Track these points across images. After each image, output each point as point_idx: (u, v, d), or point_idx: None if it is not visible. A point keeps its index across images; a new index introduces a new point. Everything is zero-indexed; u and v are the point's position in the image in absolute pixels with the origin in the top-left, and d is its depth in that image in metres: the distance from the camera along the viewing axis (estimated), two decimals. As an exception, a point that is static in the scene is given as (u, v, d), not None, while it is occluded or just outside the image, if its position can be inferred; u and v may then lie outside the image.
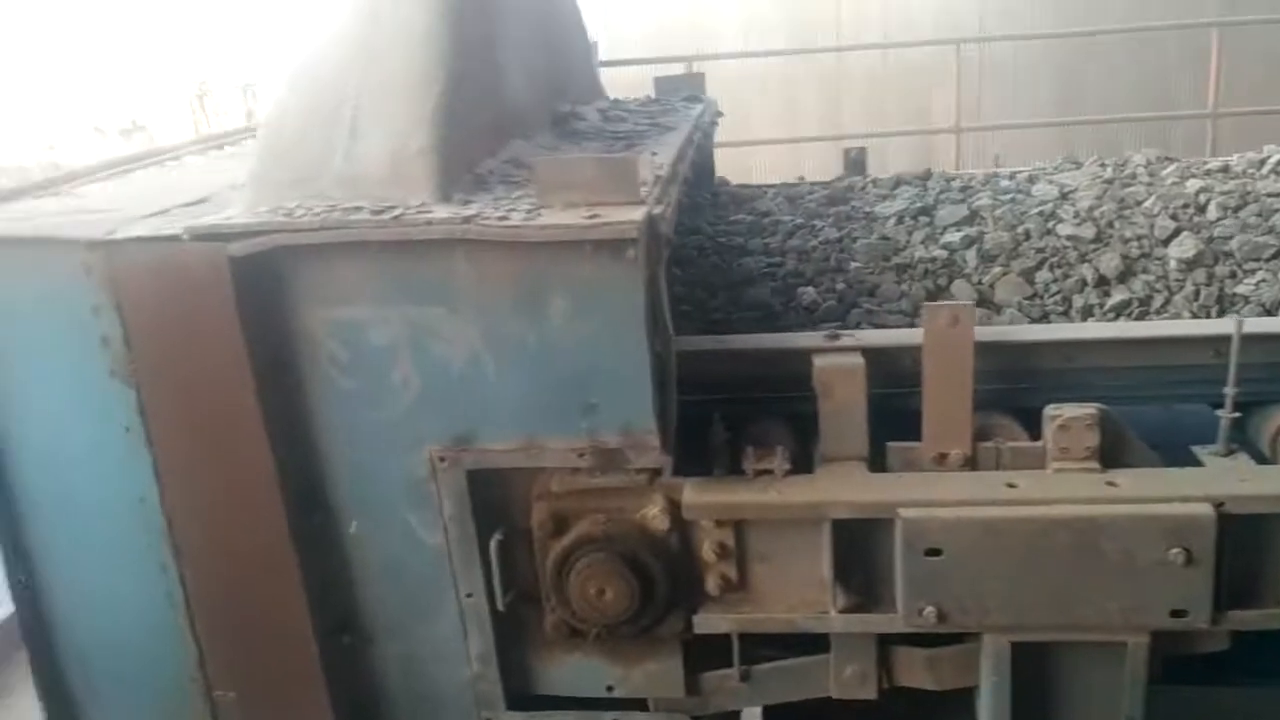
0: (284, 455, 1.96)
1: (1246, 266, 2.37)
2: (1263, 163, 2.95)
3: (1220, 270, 2.38)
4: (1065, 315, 2.33)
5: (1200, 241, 2.45)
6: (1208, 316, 2.26)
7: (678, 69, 8.17)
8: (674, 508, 1.96)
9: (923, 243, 2.65)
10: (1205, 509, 1.80)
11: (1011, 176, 3.13)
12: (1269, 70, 10.47)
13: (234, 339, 1.86)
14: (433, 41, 1.90)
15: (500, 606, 2.03)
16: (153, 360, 1.93)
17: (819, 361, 1.99)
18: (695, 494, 1.96)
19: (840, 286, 2.50)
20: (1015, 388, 2.07)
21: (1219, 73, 8.27)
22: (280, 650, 2.10)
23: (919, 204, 2.92)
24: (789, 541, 1.99)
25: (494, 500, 2.01)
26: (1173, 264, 2.41)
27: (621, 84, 4.00)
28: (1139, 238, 2.51)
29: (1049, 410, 1.95)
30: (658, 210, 1.78)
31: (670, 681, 2.12)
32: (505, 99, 2.30)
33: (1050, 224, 2.63)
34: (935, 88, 10.55)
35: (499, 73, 2.26)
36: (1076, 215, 2.65)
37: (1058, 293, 2.40)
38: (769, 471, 1.97)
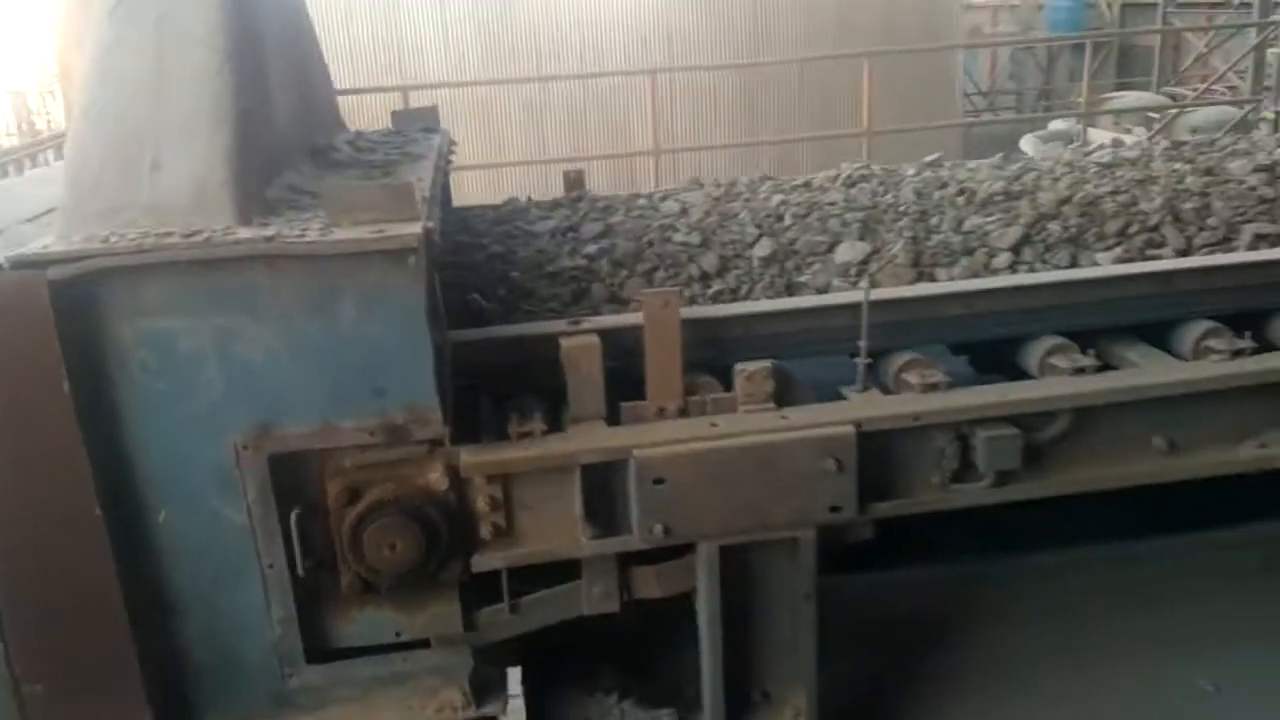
0: (98, 455, 2.18)
1: (808, 260, 3.05)
2: (836, 177, 3.73)
3: (789, 264, 3.04)
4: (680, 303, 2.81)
5: (775, 243, 3.11)
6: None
7: (395, 97, 8.49)
8: (452, 470, 2.36)
9: (569, 254, 3.16)
10: (849, 429, 2.44)
11: (649, 196, 3.73)
12: (916, 92, 12.15)
13: (51, 355, 2.08)
14: (223, 83, 2.22)
15: (300, 573, 2.33)
16: (-37, 380, 2.11)
17: (565, 343, 2.47)
18: (470, 456, 2.37)
19: (503, 293, 2.95)
20: (713, 352, 2.65)
21: (872, 97, 9.60)
22: (93, 636, 2.29)
23: (568, 222, 3.46)
24: (547, 489, 2.44)
25: (292, 480, 2.32)
26: (756, 261, 3.05)
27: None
28: (733, 242, 3.15)
29: (737, 367, 2.54)
30: (431, 225, 2.20)
31: (450, 620, 2.50)
32: (276, 134, 2.63)
33: (668, 234, 3.23)
34: (633, 111, 11.38)
35: (270, 110, 2.59)
36: (688, 226, 3.27)
37: (672, 288, 2.86)
38: (529, 433, 2.42)
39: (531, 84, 11.66)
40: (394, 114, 3.90)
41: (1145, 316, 2.85)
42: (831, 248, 3.07)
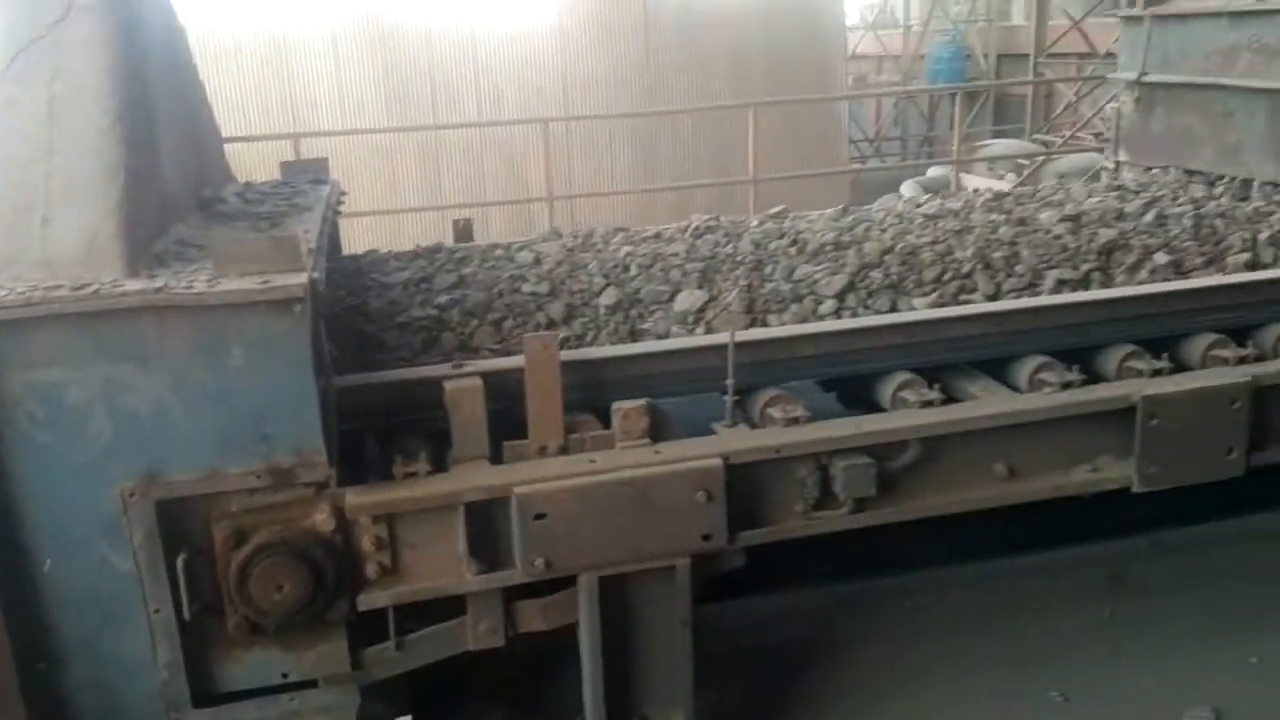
0: None
1: (650, 308, 3.23)
2: (685, 229, 3.94)
3: (633, 312, 3.21)
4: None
5: (621, 292, 3.30)
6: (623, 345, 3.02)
7: (287, 144, 8.50)
8: (338, 512, 2.44)
9: (420, 304, 3.27)
10: (717, 462, 2.60)
11: (506, 247, 3.88)
12: (807, 139, 12.63)
13: (-63, 406, 2.13)
14: (114, 140, 2.30)
15: (187, 616, 2.38)
16: None
17: (449, 385, 2.58)
18: (355, 497, 2.46)
19: (355, 343, 3.05)
20: (591, 392, 2.79)
21: (756, 145, 9.96)
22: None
23: (422, 273, 3.59)
24: (432, 528, 2.54)
25: (180, 525, 2.38)
26: (602, 309, 3.22)
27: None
28: (581, 291, 3.32)
29: (614, 406, 2.69)
30: (316, 275, 2.31)
31: (337, 660, 2.56)
32: (165, 188, 2.71)
33: (518, 284, 3.38)
34: (531, 158, 11.55)
35: (159, 165, 2.67)
36: (538, 276, 3.43)
37: (520, 336, 3.01)
38: (414, 474, 2.52)
39: (428, 131, 11.75)
40: (283, 165, 3.99)
41: (986, 353, 3.09)
42: (672, 296, 3.26)
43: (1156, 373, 2.97)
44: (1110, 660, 3.33)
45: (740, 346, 2.76)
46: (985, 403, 2.89)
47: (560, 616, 2.71)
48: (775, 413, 2.79)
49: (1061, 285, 3.29)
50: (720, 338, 2.85)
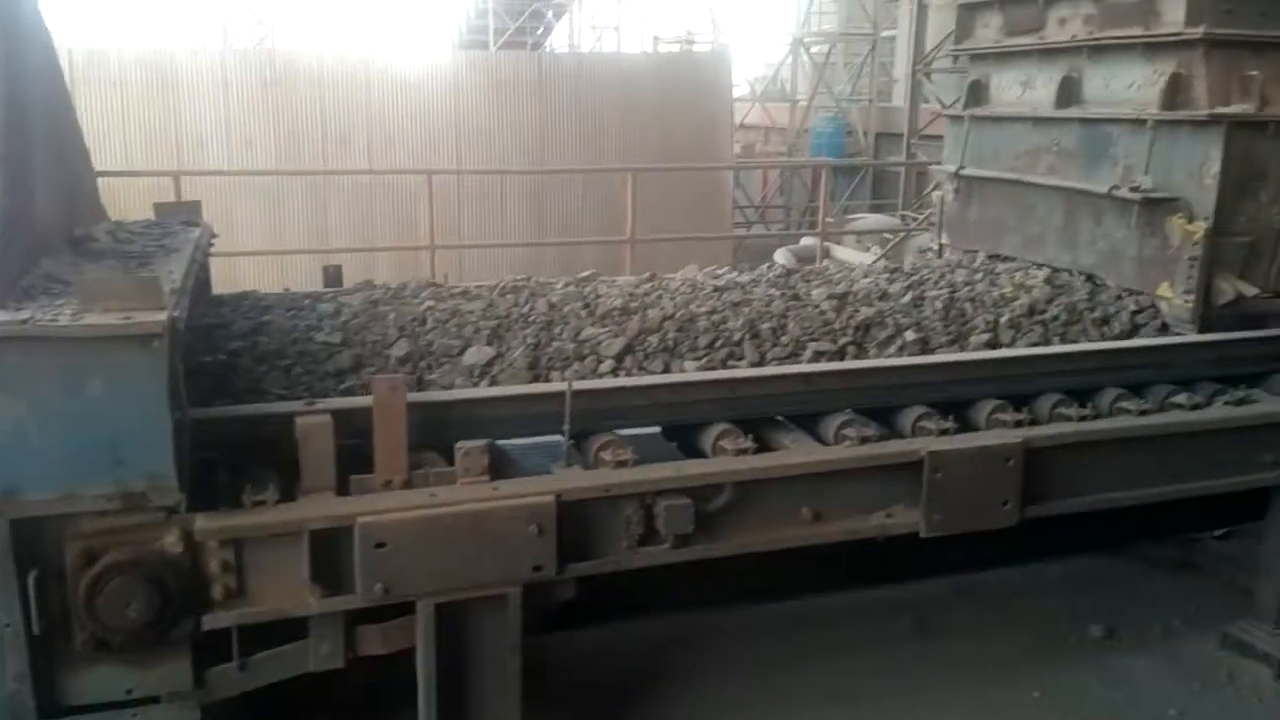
0: None
1: (440, 361, 3.43)
2: (494, 287, 4.15)
3: (422, 364, 3.41)
4: (312, 396, 3.09)
5: (413, 344, 3.49)
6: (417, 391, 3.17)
7: (167, 181, 8.51)
8: (187, 536, 2.59)
9: (211, 351, 3.41)
10: (550, 499, 2.84)
11: (313, 297, 4.00)
12: (693, 204, 13.13)
13: None
14: None
15: (36, 631, 2.50)
16: None
17: (300, 421, 2.76)
18: (205, 522, 2.62)
19: None
20: (437, 431, 3.00)
21: (642, 207, 10.35)
22: None
23: (221, 320, 3.74)
24: (278, 554, 2.70)
25: (33, 543, 2.50)
26: (392, 360, 3.41)
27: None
28: (374, 342, 3.50)
29: (457, 445, 2.91)
30: (176, 314, 2.49)
31: (180, 678, 2.69)
32: (36, 226, 2.85)
33: (312, 334, 3.55)
34: (421, 205, 11.72)
35: (32, 204, 2.81)
36: (333, 327, 3.61)
37: (307, 383, 3.23)
38: (262, 502, 2.69)
39: (316, 175, 11.83)
40: (156, 206, 4.12)
41: (801, 408, 3.42)
42: (462, 351, 3.48)
43: (944, 432, 3.34)
44: (907, 695, 3.66)
45: (577, 395, 3.02)
46: (793, 452, 3.21)
47: (399, 641, 2.89)
48: (606, 455, 3.05)
49: (819, 356, 3.61)
50: (558, 386, 3.11)
